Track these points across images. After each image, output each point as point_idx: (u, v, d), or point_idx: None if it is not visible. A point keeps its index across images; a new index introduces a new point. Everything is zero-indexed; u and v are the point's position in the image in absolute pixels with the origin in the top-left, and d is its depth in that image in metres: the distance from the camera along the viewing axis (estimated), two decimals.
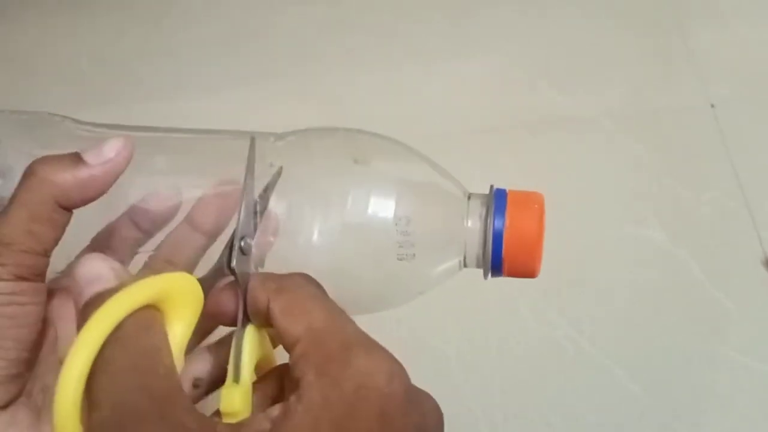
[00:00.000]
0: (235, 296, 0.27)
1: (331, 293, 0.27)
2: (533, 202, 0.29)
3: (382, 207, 0.28)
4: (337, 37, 0.75)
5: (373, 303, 0.30)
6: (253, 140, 0.28)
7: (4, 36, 0.79)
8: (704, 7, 0.69)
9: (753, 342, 0.49)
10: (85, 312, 0.23)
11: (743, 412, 0.47)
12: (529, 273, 0.29)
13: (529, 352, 0.51)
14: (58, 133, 0.31)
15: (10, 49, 0.77)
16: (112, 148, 0.26)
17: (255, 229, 0.28)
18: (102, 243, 0.30)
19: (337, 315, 0.25)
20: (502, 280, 0.54)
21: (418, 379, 0.51)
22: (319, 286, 0.27)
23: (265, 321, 0.26)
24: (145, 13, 0.80)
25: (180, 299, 0.24)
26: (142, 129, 0.32)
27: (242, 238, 0.27)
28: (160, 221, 0.30)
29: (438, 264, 0.30)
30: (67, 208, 0.26)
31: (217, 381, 0.28)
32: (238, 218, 0.27)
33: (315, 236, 0.28)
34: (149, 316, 0.23)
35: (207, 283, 0.26)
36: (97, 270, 0.24)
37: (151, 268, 0.30)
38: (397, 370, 0.24)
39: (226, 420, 0.24)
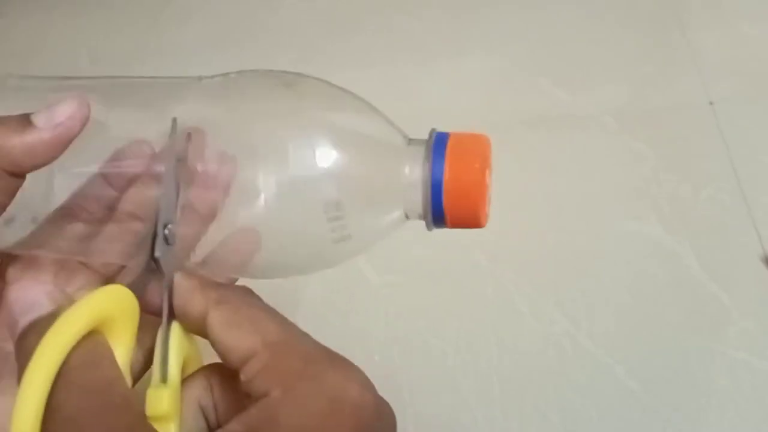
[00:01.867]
0: (160, 290, 0.25)
1: (262, 256, 0.25)
2: (476, 145, 0.27)
3: (311, 191, 0.25)
4: (336, 36, 0.75)
5: (307, 269, 0.29)
6: (174, 120, 0.26)
7: (3, 33, 0.79)
8: (704, 5, 0.70)
9: (751, 338, 0.49)
10: (22, 345, 0.21)
11: (742, 408, 0.47)
12: (473, 222, 0.27)
13: (527, 348, 0.51)
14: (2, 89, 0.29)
15: (8, 46, 0.77)
16: (64, 111, 0.24)
17: (177, 214, 0.25)
18: (76, 204, 0.27)
19: (292, 328, 0.24)
20: (500, 271, 0.55)
21: (416, 378, 0.51)
22: (259, 297, 0.25)
23: (197, 329, 0.24)
24: (144, 11, 0.80)
25: (118, 315, 0.23)
26: (92, 79, 0.29)
27: (166, 226, 0.25)
28: (134, 177, 0.27)
29: (378, 226, 0.28)
30: (16, 174, 0.24)
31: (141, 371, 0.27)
32: (159, 203, 0.25)
33: (244, 196, 0.25)
34: (94, 345, 0.22)
35: (139, 283, 0.24)
36: (31, 297, 0.22)
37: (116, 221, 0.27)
38: (366, 380, 0.23)
39: (153, 423, 0.22)
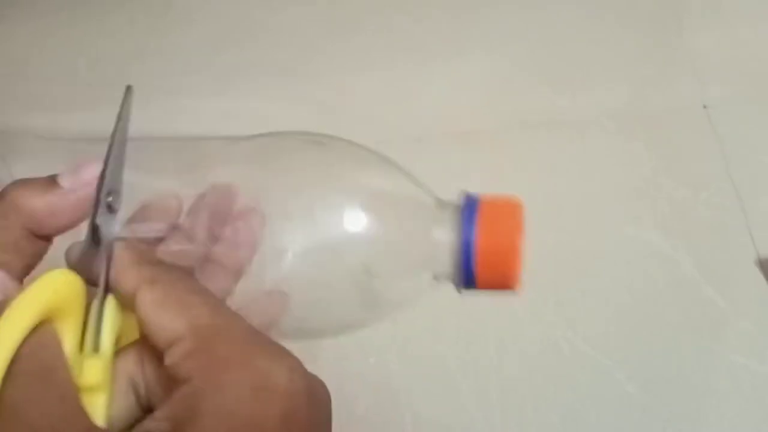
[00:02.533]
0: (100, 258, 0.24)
1: (289, 319, 0.25)
2: (508, 209, 0.27)
3: (339, 256, 0.25)
4: (335, 37, 0.75)
5: (334, 333, 0.28)
6: (129, 87, 0.25)
7: (2, 37, 0.79)
8: (703, 8, 0.69)
9: (748, 341, 0.49)
10: None
11: (739, 411, 0.47)
12: (506, 286, 0.27)
13: (526, 351, 0.51)
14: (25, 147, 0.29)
15: (5, 49, 0.77)
16: (90, 172, 0.24)
17: (121, 182, 0.24)
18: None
19: (224, 311, 0.23)
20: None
21: (414, 381, 0.51)
22: (196, 281, 0.24)
23: (129, 305, 0.23)
24: (143, 13, 0.80)
25: (65, 299, 0.22)
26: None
27: (109, 194, 0.24)
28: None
29: (407, 290, 0.28)
30: (41, 236, 0.24)
31: None
32: (103, 170, 0.24)
33: (272, 256, 0.25)
34: (40, 334, 0.21)
35: (86, 256, 0.24)
36: None
37: None
38: (296, 365, 0.22)
39: (83, 394, 0.22)
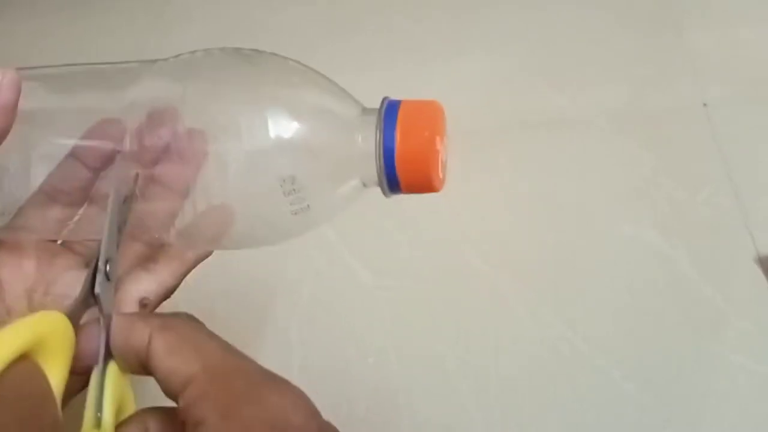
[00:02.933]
0: (98, 330, 0.24)
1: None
2: (427, 111, 0.28)
3: (265, 166, 0.26)
4: (335, 37, 0.75)
5: (273, 240, 0.29)
6: (118, 152, 0.26)
7: (2, 35, 0.79)
8: (701, 8, 0.69)
9: (748, 341, 0.49)
10: None
11: (739, 412, 0.47)
12: (427, 187, 0.27)
13: (524, 352, 0.51)
14: None
15: (5, 47, 0.77)
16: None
17: (117, 253, 0.25)
18: (52, 189, 0.27)
19: (233, 352, 0.23)
20: (497, 274, 0.55)
21: (412, 382, 0.51)
22: (202, 324, 0.25)
23: (139, 360, 0.23)
24: (141, 14, 0.79)
25: (53, 341, 0.22)
26: (46, 67, 0.30)
27: (107, 262, 0.24)
28: (108, 155, 0.27)
29: (337, 196, 0.28)
30: None
31: (162, 298, 0.27)
32: (102, 241, 0.24)
33: (210, 171, 0.26)
34: (28, 365, 0.21)
35: (76, 315, 0.24)
36: None
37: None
38: (311, 405, 0.23)
39: None
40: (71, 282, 0.28)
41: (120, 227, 0.25)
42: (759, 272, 0.52)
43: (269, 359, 0.55)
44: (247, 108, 0.26)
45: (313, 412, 0.23)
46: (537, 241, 0.56)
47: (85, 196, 0.27)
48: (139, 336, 0.23)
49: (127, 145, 0.26)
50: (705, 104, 0.62)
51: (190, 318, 0.25)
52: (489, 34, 0.72)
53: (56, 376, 0.22)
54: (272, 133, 0.26)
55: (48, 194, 0.27)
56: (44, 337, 0.21)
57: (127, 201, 0.26)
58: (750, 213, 0.55)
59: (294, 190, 0.26)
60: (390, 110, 0.27)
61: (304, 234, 0.28)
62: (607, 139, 0.62)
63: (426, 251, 0.56)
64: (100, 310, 0.24)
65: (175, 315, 0.25)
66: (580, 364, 0.50)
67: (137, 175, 0.26)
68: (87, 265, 0.28)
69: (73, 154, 0.27)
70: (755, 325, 0.50)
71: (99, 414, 0.22)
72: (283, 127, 0.26)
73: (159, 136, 0.26)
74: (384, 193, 0.28)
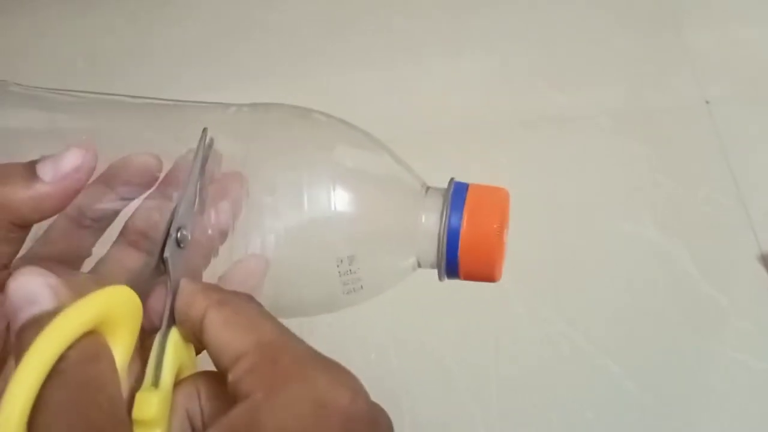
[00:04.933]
0: (164, 293, 0.24)
1: (269, 291, 0.25)
2: (495, 198, 0.26)
3: (323, 241, 0.25)
4: (333, 35, 0.75)
5: (313, 313, 0.28)
6: (205, 129, 0.26)
7: None
8: (700, 6, 0.69)
9: (749, 339, 0.49)
10: (20, 341, 0.20)
11: (739, 409, 0.47)
12: (488, 276, 0.26)
13: (524, 349, 0.51)
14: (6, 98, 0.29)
15: (3, 44, 0.77)
16: (70, 162, 0.24)
17: (192, 221, 0.25)
18: (80, 212, 0.27)
19: (289, 333, 0.23)
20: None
21: (413, 378, 0.51)
22: (261, 306, 0.24)
23: (194, 331, 0.23)
24: (139, 11, 0.79)
25: (120, 317, 0.22)
26: (107, 96, 0.29)
27: (179, 229, 0.24)
28: (137, 185, 0.27)
29: (390, 275, 0.27)
30: (23, 226, 0.24)
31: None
32: (176, 206, 0.24)
33: (256, 223, 0.25)
34: (94, 344, 0.21)
35: (146, 282, 0.24)
36: (32, 289, 0.21)
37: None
38: (359, 387, 0.22)
39: (138, 429, 0.22)
40: None
41: (194, 197, 0.25)
42: (761, 270, 0.52)
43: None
44: (308, 171, 0.25)
45: (362, 395, 0.22)
46: (537, 240, 0.56)
47: (108, 224, 0.27)
48: (197, 308, 0.23)
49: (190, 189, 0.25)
50: (707, 102, 0.62)
51: (249, 296, 0.25)
52: (489, 33, 0.72)
53: (122, 351, 0.22)
54: (332, 201, 0.25)
55: (76, 219, 0.27)
56: (111, 312, 0.22)
57: (204, 168, 0.25)
58: (752, 211, 0.55)
59: (350, 271, 0.26)
60: (458, 193, 0.26)
61: (342, 310, 0.28)
62: (607, 137, 0.61)
63: None
64: (168, 275, 0.24)
65: (235, 292, 0.24)
66: (580, 363, 0.50)
67: (212, 139, 0.25)
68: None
69: (104, 181, 0.26)
70: (756, 323, 0.50)
71: (158, 374, 0.23)
72: (344, 196, 0.25)
73: (221, 210, 0.26)
74: (440, 277, 0.27)
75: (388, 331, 0.53)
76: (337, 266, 0.25)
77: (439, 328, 0.52)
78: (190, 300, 0.24)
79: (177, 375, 0.24)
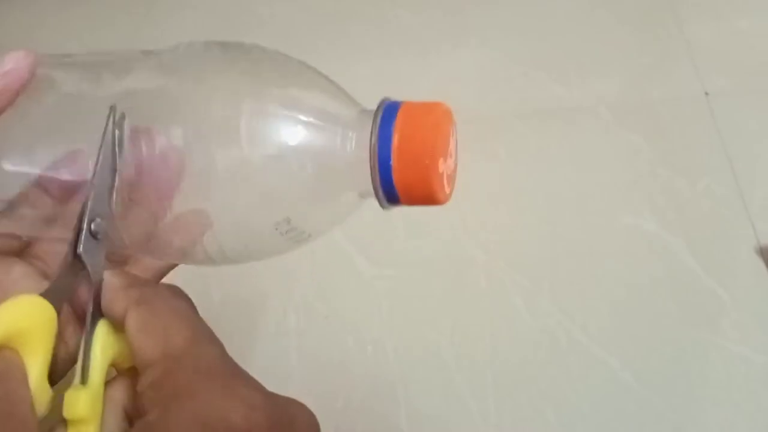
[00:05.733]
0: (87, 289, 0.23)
1: (211, 241, 0.24)
2: (431, 115, 0.23)
3: (263, 181, 0.23)
4: (330, 27, 0.74)
5: (260, 259, 0.26)
6: (113, 107, 0.24)
7: None
8: None
9: (747, 331, 0.49)
10: None
11: (737, 401, 0.47)
12: (430, 198, 0.24)
13: (521, 341, 0.51)
14: None
15: (2, 37, 0.77)
16: (11, 58, 0.24)
17: (110, 208, 0.23)
18: (14, 210, 0.26)
19: (201, 338, 0.22)
20: (494, 264, 0.54)
21: (409, 371, 0.51)
22: (188, 300, 0.24)
23: (122, 329, 0.23)
24: (136, 3, 0.79)
25: (31, 328, 0.21)
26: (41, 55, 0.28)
27: (93, 220, 0.23)
28: (71, 189, 0.25)
29: (334, 215, 0.25)
30: None
31: None
32: (87, 195, 0.23)
33: (193, 183, 0.23)
34: (2, 362, 0.20)
35: (61, 284, 0.23)
36: None
37: None
38: (258, 400, 0.21)
39: (71, 428, 0.21)
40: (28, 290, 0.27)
41: (111, 182, 0.23)
42: (759, 262, 0.51)
43: (267, 347, 0.55)
44: (238, 112, 0.23)
45: (262, 410, 0.21)
46: (535, 231, 0.56)
47: (45, 222, 0.26)
48: (119, 307, 0.23)
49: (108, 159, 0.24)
50: (707, 93, 0.61)
51: (175, 293, 0.24)
52: (488, 25, 0.72)
53: (38, 362, 0.21)
54: (265, 145, 0.23)
55: (9, 215, 0.26)
56: (21, 326, 0.21)
57: (116, 152, 0.23)
58: (751, 203, 0.54)
59: (291, 229, 0.24)
60: (388, 113, 0.23)
61: (290, 252, 0.26)
62: (606, 129, 0.61)
63: (424, 241, 0.56)
64: (87, 271, 0.23)
65: (158, 287, 0.24)
66: (577, 354, 0.50)
67: (123, 114, 0.24)
68: (46, 277, 0.27)
69: (39, 184, 0.25)
70: (755, 315, 0.50)
71: (86, 372, 0.22)
72: (278, 137, 0.23)
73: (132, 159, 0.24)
74: (381, 205, 0.24)
75: (384, 323, 0.53)
76: (276, 229, 0.24)
77: (435, 320, 0.52)
78: (112, 297, 0.23)
79: (117, 367, 0.23)
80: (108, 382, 0.23)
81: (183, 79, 0.25)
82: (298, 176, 0.24)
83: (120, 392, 0.23)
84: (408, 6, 0.75)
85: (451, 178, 0.25)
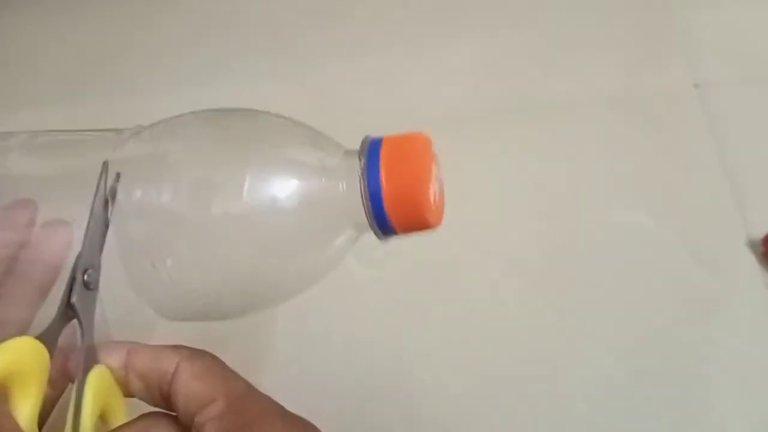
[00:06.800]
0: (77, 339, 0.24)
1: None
2: (413, 146, 0.25)
3: (260, 238, 0.25)
4: (324, 25, 0.74)
5: (272, 305, 0.29)
6: (105, 163, 0.25)
7: None
8: None
9: (740, 325, 0.49)
10: None
11: (731, 395, 0.47)
12: (423, 225, 0.26)
13: (514, 340, 0.51)
14: None
15: (10, 45, 0.77)
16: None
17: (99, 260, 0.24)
18: None
19: (255, 389, 0.25)
20: (487, 262, 0.54)
21: (401, 373, 0.51)
22: (226, 364, 0.26)
23: (161, 384, 0.24)
24: (128, 7, 0.79)
25: (24, 368, 0.21)
26: (14, 135, 0.29)
27: (86, 271, 0.24)
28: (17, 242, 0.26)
29: (333, 256, 0.27)
30: None
31: None
32: (82, 245, 0.24)
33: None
34: None
35: (54, 332, 0.23)
36: None
37: None
38: None
39: None
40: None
41: (102, 232, 0.25)
42: (751, 256, 0.52)
43: (257, 351, 0.55)
44: (223, 174, 0.25)
45: None
46: (528, 228, 0.56)
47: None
48: (167, 361, 0.24)
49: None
50: (696, 85, 0.61)
51: (214, 356, 0.26)
52: (479, 19, 0.71)
53: (29, 403, 0.22)
54: (255, 203, 0.24)
55: None
56: (14, 367, 0.21)
57: (108, 203, 0.25)
58: (742, 196, 0.54)
59: (289, 253, 0.26)
60: (372, 150, 0.25)
61: (298, 296, 0.29)
62: (598, 122, 0.61)
63: (415, 242, 0.56)
64: (79, 321, 0.24)
65: (203, 350, 0.26)
66: (570, 351, 0.50)
67: (118, 174, 0.25)
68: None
69: None
70: (748, 308, 0.50)
71: (77, 421, 0.22)
72: (266, 196, 0.24)
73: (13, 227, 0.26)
74: (378, 238, 0.26)
75: (376, 325, 0.53)
76: (280, 256, 0.26)
77: (428, 320, 0.52)
78: (159, 354, 0.25)
79: (104, 419, 0.24)
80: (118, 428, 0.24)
81: (174, 144, 0.27)
82: (298, 231, 0.26)
83: None
84: (399, 1, 0.75)
85: (440, 201, 0.27)
